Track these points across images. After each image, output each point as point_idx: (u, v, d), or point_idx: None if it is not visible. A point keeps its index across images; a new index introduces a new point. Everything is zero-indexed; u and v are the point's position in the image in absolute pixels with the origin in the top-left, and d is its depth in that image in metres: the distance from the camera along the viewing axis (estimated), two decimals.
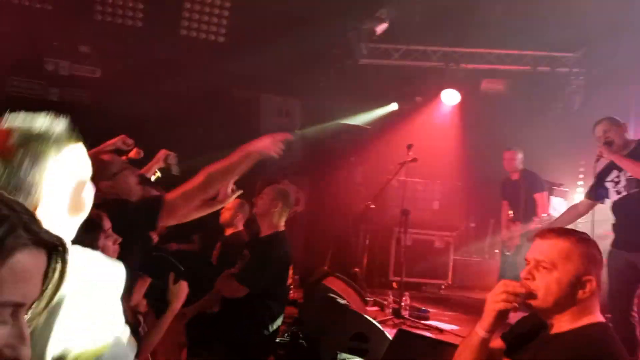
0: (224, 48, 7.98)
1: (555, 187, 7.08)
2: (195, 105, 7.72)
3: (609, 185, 4.05)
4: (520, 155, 6.02)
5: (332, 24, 7.33)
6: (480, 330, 1.74)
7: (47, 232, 0.78)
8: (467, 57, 8.28)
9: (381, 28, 7.17)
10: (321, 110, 8.16)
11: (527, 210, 5.82)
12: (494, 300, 1.70)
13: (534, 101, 8.19)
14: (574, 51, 8.00)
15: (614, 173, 3.99)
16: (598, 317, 1.70)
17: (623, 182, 3.92)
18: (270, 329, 3.57)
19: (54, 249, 0.78)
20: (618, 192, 3.96)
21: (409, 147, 5.91)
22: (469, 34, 7.84)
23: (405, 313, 5.40)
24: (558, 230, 1.77)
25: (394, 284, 6.80)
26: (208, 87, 7.87)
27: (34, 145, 1.15)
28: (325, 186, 7.60)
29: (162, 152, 3.82)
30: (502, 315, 1.70)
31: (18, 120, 1.19)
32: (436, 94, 8.26)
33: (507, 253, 5.92)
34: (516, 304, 1.69)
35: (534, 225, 5.53)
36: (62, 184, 1.20)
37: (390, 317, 5.31)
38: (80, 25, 7.60)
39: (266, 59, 7.99)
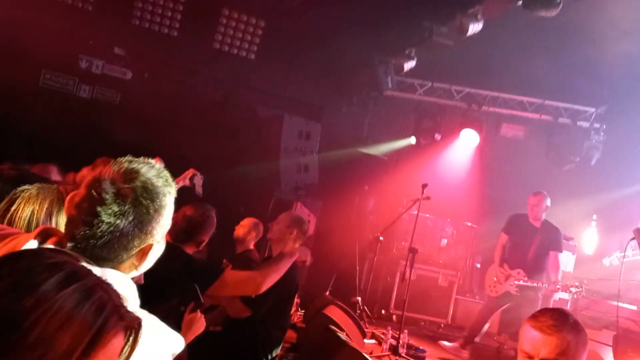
0: (254, 65, 8.17)
1: (564, 241, 7.09)
2: (221, 117, 7.90)
3: None
4: (547, 203, 5.72)
5: (362, 54, 7.50)
6: None
7: (131, 314, 0.86)
8: (489, 100, 8.40)
9: (409, 65, 7.30)
10: (341, 136, 8.29)
11: (536, 263, 5.56)
12: None
13: (552, 151, 8.24)
14: (597, 106, 8.08)
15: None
16: None
17: None
18: (269, 356, 3.65)
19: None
20: None
21: (424, 186, 5.98)
22: (493, 77, 7.96)
23: (402, 351, 5.45)
24: (559, 321, 1.73)
25: (394, 317, 6.84)
26: (235, 100, 8.07)
27: (158, 195, 1.27)
28: (337, 211, 7.69)
29: (191, 171, 3.93)
30: None
31: (141, 167, 1.29)
32: (456, 133, 8.35)
33: (491, 295, 5.71)
34: None
35: (550, 290, 5.38)
36: (164, 233, 1.34)
37: (387, 353, 5.36)
38: (117, 27, 7.84)
39: (293, 80, 8.18)
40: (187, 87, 7.86)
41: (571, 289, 5.27)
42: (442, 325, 7.29)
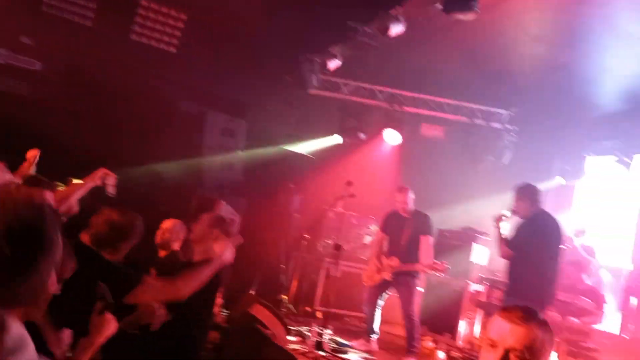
0: (175, 59, 7.90)
1: (479, 236, 7.43)
2: (138, 112, 7.57)
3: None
4: (412, 196, 5.99)
5: (287, 52, 7.46)
6: None
7: None
8: (410, 101, 8.64)
9: (334, 64, 7.35)
10: (266, 134, 8.22)
11: (409, 249, 5.85)
12: None
13: (468, 150, 8.60)
14: (509, 109, 8.53)
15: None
16: None
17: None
18: (189, 356, 3.52)
19: None
20: None
21: (349, 183, 6.05)
22: (414, 78, 8.20)
23: (327, 347, 5.47)
24: (528, 314, 1.68)
25: (319, 314, 6.86)
26: (154, 95, 7.75)
27: None
28: (262, 210, 7.61)
29: (102, 172, 3.67)
30: None
31: None
32: (379, 132, 8.52)
33: (367, 283, 6.01)
34: None
35: (419, 268, 5.69)
36: None
37: (312, 350, 5.36)
38: (25, 15, 7.31)
39: (216, 75, 7.99)
40: (102, 79, 7.44)
41: (436, 267, 5.57)
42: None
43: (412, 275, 5.85)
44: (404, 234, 5.90)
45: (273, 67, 7.74)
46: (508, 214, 5.05)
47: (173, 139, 7.68)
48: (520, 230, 5.01)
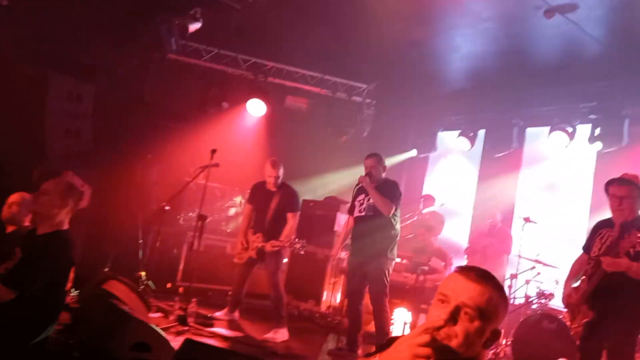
0: (8, 12, 6.90)
1: (343, 205, 7.63)
2: None
3: (356, 204, 5.40)
4: (281, 171, 5.87)
5: (142, 10, 6.90)
6: None
7: None
8: (275, 72, 8.55)
9: (194, 27, 6.95)
10: (119, 100, 7.57)
11: (274, 225, 5.79)
12: (410, 354, 1.46)
13: (331, 123, 8.78)
14: (369, 83, 8.83)
15: (362, 197, 5.36)
16: None
17: (365, 205, 5.31)
18: (38, 338, 3.12)
19: None
20: (360, 212, 5.34)
21: (213, 151, 5.81)
22: (279, 48, 8.11)
23: (191, 320, 5.25)
24: (485, 275, 1.62)
25: (181, 289, 6.57)
26: None
27: None
28: (116, 182, 7.03)
29: None
30: None
31: None
32: (243, 102, 8.33)
33: (237, 261, 5.93)
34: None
35: (279, 245, 5.65)
36: None
37: (175, 324, 5.11)
38: None
39: (59, 34, 7.14)
40: None
41: (295, 245, 5.64)
42: (229, 293, 7.27)
43: (276, 252, 5.81)
44: (270, 208, 5.84)
45: (126, 27, 7.12)
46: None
47: (9, 104, 6.74)
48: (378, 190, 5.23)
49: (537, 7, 5.87)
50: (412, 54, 7.78)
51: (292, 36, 7.62)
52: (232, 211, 7.75)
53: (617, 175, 4.22)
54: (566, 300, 4.21)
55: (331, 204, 7.62)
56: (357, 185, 5.41)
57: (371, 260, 5.22)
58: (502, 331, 5.53)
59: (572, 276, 4.22)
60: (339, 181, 8.14)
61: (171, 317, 5.26)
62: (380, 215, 5.20)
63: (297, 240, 5.67)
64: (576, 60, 6.97)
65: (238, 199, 7.85)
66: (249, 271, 5.98)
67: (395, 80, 8.59)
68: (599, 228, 4.13)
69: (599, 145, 6.98)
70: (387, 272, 5.25)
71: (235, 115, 8.48)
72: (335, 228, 7.44)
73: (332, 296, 7.09)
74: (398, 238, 5.40)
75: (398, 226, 5.39)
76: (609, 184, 4.08)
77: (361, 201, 5.37)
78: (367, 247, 5.24)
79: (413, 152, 9.42)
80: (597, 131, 6.98)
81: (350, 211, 5.51)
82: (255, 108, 8.36)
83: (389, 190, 5.25)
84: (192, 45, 8.04)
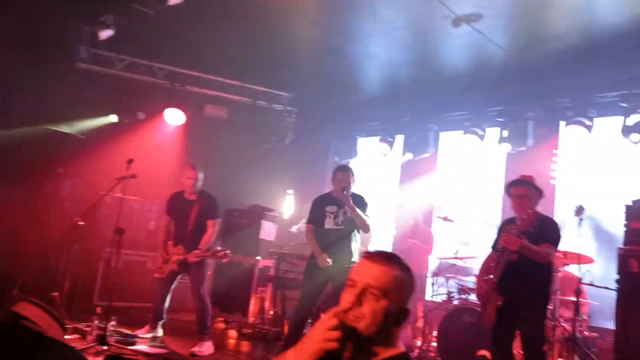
0: None
1: (266, 212, 7.60)
2: None
3: (327, 215, 5.17)
4: (201, 175, 5.69)
5: (50, 17, 6.53)
6: None
7: None
8: (192, 80, 8.39)
9: (105, 34, 6.68)
10: (25, 112, 7.11)
11: (195, 235, 5.62)
12: (320, 339, 1.52)
13: (252, 131, 8.73)
14: (289, 91, 8.88)
15: (333, 208, 5.16)
16: (402, 346, 1.70)
17: (341, 218, 5.12)
18: None
19: None
20: (336, 224, 5.13)
21: (130, 162, 5.55)
22: (197, 57, 7.96)
23: (111, 340, 4.99)
24: (389, 256, 1.69)
25: (98, 309, 6.23)
26: None
27: None
28: (23, 199, 6.57)
29: None
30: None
31: None
32: (160, 112, 8.09)
33: (157, 275, 5.68)
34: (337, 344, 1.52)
35: (201, 255, 5.49)
36: None
37: (93, 344, 4.83)
38: None
39: None
40: None
41: (217, 255, 5.54)
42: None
43: (199, 262, 5.63)
44: (190, 218, 5.65)
45: (33, 35, 6.72)
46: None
47: None
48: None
49: (445, 17, 6.14)
50: (330, 62, 7.92)
51: (210, 44, 7.52)
52: (152, 224, 7.47)
53: (525, 173, 4.51)
54: (477, 292, 4.43)
55: (255, 212, 7.56)
56: (322, 195, 5.36)
57: (339, 270, 4.88)
58: (410, 310, 5.76)
59: (483, 273, 4.44)
60: (263, 189, 8.09)
61: (89, 338, 4.96)
62: (353, 229, 5.14)
63: (220, 249, 5.55)
64: (484, 67, 7.37)
65: (157, 212, 7.57)
66: (170, 285, 5.75)
67: (315, 88, 8.69)
68: (505, 224, 4.40)
69: (507, 146, 7.41)
70: None
71: (152, 126, 8.21)
72: (261, 236, 7.39)
73: (260, 306, 7.00)
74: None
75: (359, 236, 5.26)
76: (509, 185, 4.37)
77: (335, 213, 5.18)
78: (337, 258, 5.01)
79: (334, 159, 9.55)
80: (505, 133, 7.41)
81: (316, 221, 5.22)
82: (173, 117, 8.15)
83: (362, 205, 5.14)
84: (104, 54, 7.72)
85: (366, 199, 5.23)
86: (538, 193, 4.29)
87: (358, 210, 5.03)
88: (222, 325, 7.05)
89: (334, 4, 6.41)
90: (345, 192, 5.02)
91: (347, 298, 1.61)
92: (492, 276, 4.21)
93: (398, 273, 1.64)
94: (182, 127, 8.36)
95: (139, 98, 8.02)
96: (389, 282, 1.61)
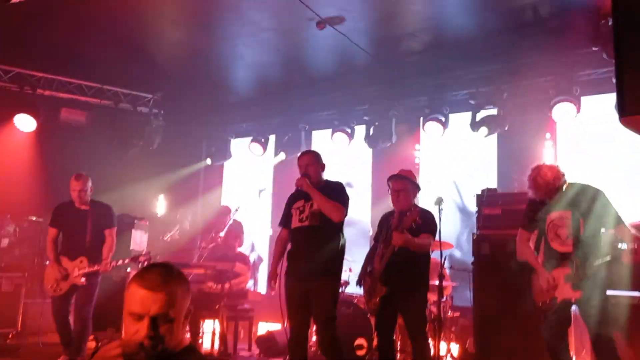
0: None
1: (136, 221, 7.25)
2: None
3: (294, 212, 4.39)
4: (89, 184, 5.42)
5: None
6: None
7: None
8: (45, 83, 7.72)
9: None
10: None
11: (95, 246, 5.34)
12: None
13: (115, 136, 8.24)
14: (154, 93, 8.50)
15: (300, 203, 4.38)
16: (186, 339, 1.81)
17: (307, 213, 4.28)
18: None
19: None
20: (300, 221, 4.30)
21: None
22: (49, 58, 7.35)
23: None
24: (167, 277, 1.69)
25: None
26: None
27: None
28: None
29: None
30: None
31: None
32: (9, 118, 7.33)
33: (56, 294, 5.26)
34: None
35: (113, 264, 5.30)
36: None
37: None
38: None
39: None
40: None
41: (139, 259, 5.39)
42: (10, 335, 6.33)
43: (97, 274, 5.32)
44: (87, 228, 5.30)
45: None
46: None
47: None
48: None
49: (310, 19, 6.28)
50: (196, 62, 7.73)
51: (63, 44, 6.98)
52: (5, 242, 6.76)
53: (390, 169, 4.78)
54: (362, 283, 4.64)
55: (124, 222, 7.14)
56: (293, 193, 4.52)
57: (316, 280, 4.13)
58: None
59: (367, 263, 4.67)
60: (130, 198, 7.65)
61: None
62: (326, 224, 4.20)
63: (144, 252, 5.28)
64: (349, 68, 7.65)
65: (11, 228, 6.87)
66: (69, 303, 5.27)
67: (182, 89, 8.43)
68: (386, 218, 4.65)
69: (373, 144, 7.78)
70: (336, 294, 4.28)
71: (1, 134, 7.42)
72: (132, 247, 7.02)
73: None
74: (344, 251, 4.39)
75: (344, 237, 4.38)
76: (389, 179, 4.61)
77: (301, 208, 4.33)
78: (310, 264, 4.14)
79: (207, 161, 9.35)
80: (371, 131, 7.78)
81: (285, 223, 4.48)
82: (24, 124, 7.43)
83: (336, 192, 4.30)
84: None
85: (345, 189, 4.39)
86: (415, 187, 4.57)
87: (321, 195, 4.19)
88: (92, 344, 6.59)
89: (196, 4, 6.25)
90: (305, 177, 4.27)
91: (138, 329, 1.62)
92: (375, 265, 4.42)
93: (178, 289, 1.69)
94: (36, 134, 7.65)
95: None
96: (174, 302, 1.66)
